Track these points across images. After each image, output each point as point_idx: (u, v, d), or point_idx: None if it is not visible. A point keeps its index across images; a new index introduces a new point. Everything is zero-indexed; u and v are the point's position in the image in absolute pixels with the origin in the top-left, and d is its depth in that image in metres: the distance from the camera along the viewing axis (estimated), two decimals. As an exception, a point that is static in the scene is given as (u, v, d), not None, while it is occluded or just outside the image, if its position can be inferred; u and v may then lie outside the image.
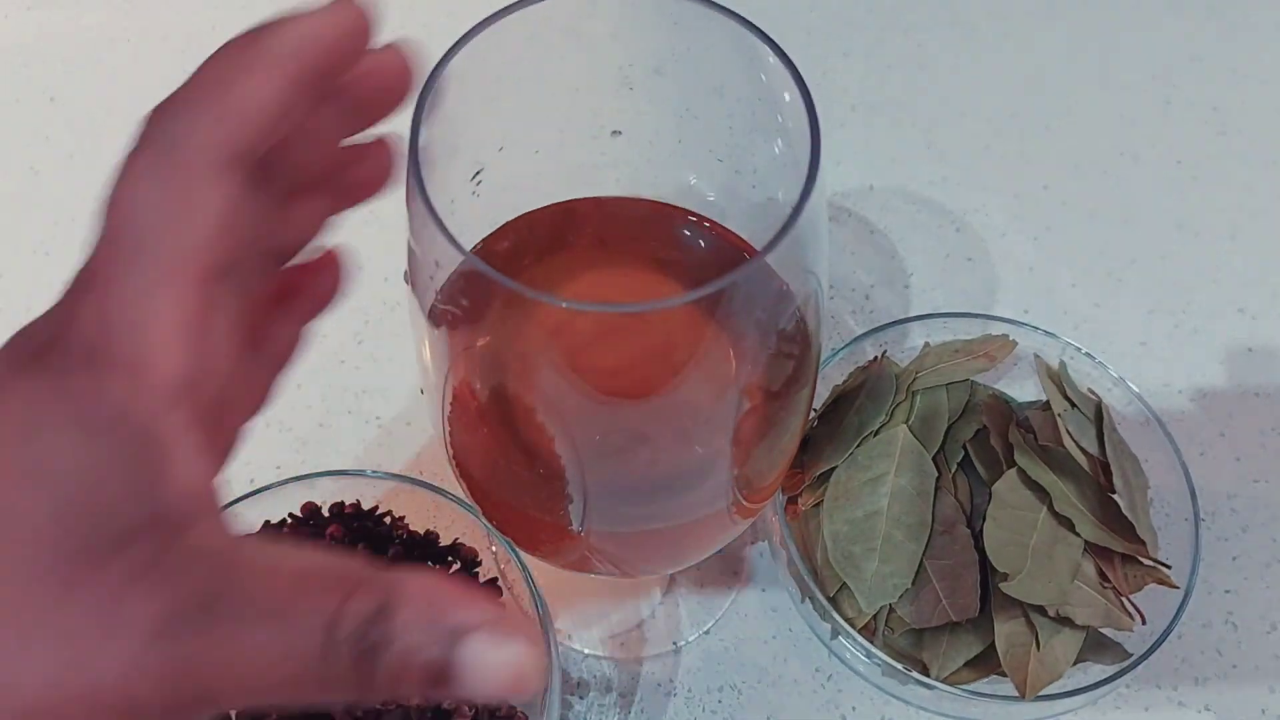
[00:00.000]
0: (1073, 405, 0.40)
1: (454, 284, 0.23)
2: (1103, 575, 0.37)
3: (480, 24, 0.23)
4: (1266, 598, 0.41)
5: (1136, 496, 0.38)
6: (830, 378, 0.42)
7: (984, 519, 0.37)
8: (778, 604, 0.41)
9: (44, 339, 0.19)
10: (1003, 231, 0.51)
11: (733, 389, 0.27)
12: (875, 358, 0.42)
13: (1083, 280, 0.50)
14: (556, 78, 0.27)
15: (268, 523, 0.37)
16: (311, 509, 0.38)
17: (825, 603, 0.36)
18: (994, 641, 0.36)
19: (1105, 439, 0.39)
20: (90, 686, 0.17)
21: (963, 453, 0.39)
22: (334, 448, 0.44)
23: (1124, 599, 0.37)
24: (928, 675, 0.35)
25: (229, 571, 0.17)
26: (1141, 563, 0.37)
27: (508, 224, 0.30)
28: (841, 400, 0.41)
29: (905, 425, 0.39)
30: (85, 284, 0.19)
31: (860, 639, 0.36)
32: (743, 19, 0.23)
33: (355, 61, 0.21)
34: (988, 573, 0.36)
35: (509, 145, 0.28)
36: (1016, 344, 0.42)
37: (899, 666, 0.35)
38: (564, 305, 0.21)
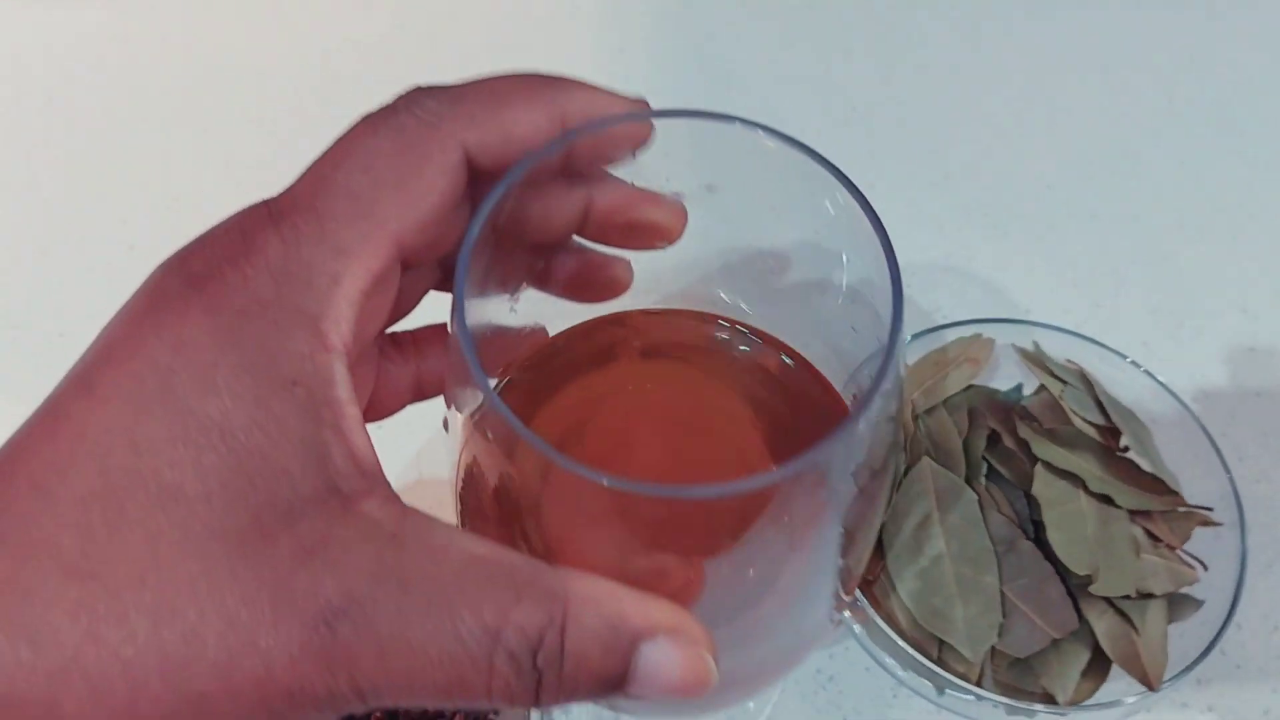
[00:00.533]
0: (1064, 382, 0.40)
1: (487, 414, 0.20)
2: (1152, 536, 0.37)
3: (528, 158, 0.21)
4: (1269, 598, 0.41)
5: (1148, 449, 0.38)
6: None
7: (1034, 524, 0.36)
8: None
9: (211, 263, 0.17)
10: (1004, 231, 0.51)
11: (813, 533, 0.24)
12: (854, 395, 0.41)
13: (1084, 280, 0.49)
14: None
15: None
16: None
17: (933, 666, 0.35)
18: (1097, 644, 0.35)
19: (1102, 402, 0.39)
20: (260, 673, 0.16)
21: (985, 464, 0.38)
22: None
23: (1179, 553, 0.37)
24: (1054, 703, 0.34)
25: (395, 551, 0.16)
26: (1180, 512, 0.37)
27: (545, 342, 0.28)
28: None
29: (927, 457, 0.38)
30: (276, 215, 0.18)
31: (975, 689, 0.34)
32: (814, 152, 0.21)
33: (611, 160, 0.21)
34: (1065, 578, 0.36)
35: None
36: (994, 341, 0.42)
37: (1022, 706, 0.34)
38: (606, 484, 0.18)
